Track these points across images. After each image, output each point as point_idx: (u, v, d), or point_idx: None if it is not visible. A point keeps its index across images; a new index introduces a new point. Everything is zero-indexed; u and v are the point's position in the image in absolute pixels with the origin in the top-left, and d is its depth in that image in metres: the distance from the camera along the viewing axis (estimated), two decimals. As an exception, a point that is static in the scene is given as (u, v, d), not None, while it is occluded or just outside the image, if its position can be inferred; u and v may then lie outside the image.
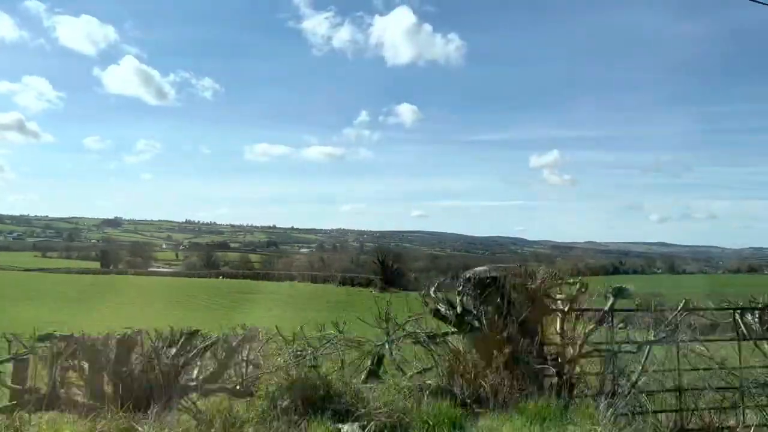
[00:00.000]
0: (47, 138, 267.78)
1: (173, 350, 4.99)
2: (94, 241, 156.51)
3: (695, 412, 5.36)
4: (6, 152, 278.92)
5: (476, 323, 5.40)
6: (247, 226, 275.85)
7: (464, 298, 5.59)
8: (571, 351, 5.45)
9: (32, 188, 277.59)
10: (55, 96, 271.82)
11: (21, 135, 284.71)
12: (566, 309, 5.51)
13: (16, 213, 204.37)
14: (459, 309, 5.49)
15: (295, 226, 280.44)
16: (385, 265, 78.54)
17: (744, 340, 5.70)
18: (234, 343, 5.48)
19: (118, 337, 5.00)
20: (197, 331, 5.22)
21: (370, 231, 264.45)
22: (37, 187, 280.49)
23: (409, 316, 5.96)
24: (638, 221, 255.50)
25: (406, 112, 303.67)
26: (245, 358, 5.46)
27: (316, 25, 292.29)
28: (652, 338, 5.61)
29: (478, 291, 5.50)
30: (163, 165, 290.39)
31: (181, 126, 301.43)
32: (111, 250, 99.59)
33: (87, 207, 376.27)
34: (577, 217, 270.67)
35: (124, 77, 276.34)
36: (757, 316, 5.78)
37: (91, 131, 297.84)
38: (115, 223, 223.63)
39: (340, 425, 4.25)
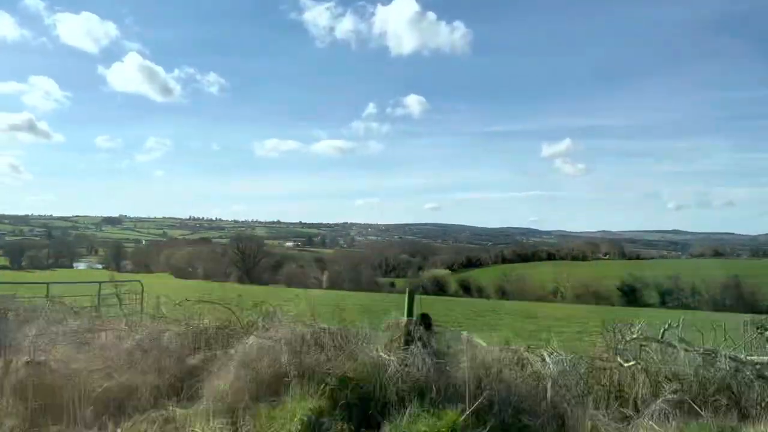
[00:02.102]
0: (58, 138, 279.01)
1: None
2: (70, 239, 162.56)
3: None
4: (20, 153, 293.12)
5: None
6: (252, 221, 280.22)
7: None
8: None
9: (46, 188, 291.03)
10: (62, 95, 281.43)
11: (32, 135, 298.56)
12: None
13: (29, 213, 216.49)
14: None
15: (303, 221, 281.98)
16: (246, 255, 74.95)
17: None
18: None
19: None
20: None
21: (376, 224, 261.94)
22: (51, 187, 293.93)
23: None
24: (655, 209, 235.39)
25: (413, 103, 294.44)
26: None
27: (318, 16, 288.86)
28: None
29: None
30: (173, 163, 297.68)
31: (189, 123, 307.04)
32: (23, 246, 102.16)
33: (100, 206, 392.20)
34: (591, 206, 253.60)
35: (129, 75, 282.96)
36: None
37: (101, 130, 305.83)
38: (115, 221, 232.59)
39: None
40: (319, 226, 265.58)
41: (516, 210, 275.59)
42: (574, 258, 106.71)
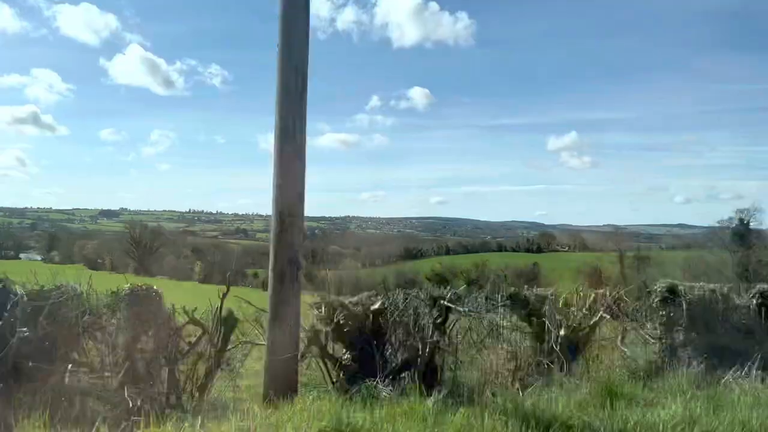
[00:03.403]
0: (63, 131, 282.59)
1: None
2: (53, 231, 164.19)
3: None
4: (26, 146, 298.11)
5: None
6: (252, 214, 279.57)
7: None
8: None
9: (52, 182, 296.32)
10: (65, 88, 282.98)
11: (37, 128, 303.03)
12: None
13: (28, 206, 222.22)
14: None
15: (306, 215, 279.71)
16: (140, 244, 70.95)
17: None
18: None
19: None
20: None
21: (377, 218, 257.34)
22: (57, 180, 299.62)
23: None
24: (662, 203, 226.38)
25: (417, 96, 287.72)
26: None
27: (319, 6, 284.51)
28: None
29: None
30: (178, 156, 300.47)
31: (193, 116, 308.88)
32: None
33: (104, 200, 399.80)
34: (598, 199, 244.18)
35: (131, 67, 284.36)
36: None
37: (106, 123, 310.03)
38: (112, 213, 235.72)
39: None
40: (320, 219, 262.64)
41: (523, 204, 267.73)
42: (528, 250, 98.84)
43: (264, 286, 52.44)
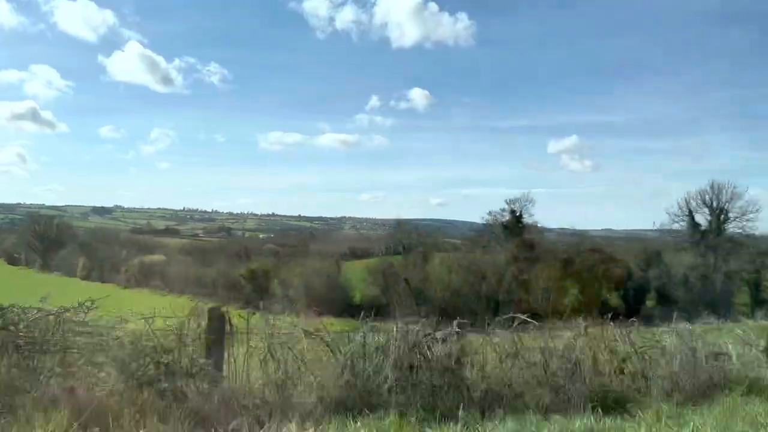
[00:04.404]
0: (62, 128, 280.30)
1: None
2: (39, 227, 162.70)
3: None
4: (25, 142, 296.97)
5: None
6: (247, 213, 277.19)
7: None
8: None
9: (52, 179, 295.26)
10: (64, 85, 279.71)
11: (36, 125, 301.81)
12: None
13: (20, 202, 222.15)
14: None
15: (302, 214, 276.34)
16: (43, 239, 66.23)
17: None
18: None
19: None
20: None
21: (372, 219, 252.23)
22: (57, 177, 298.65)
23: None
24: (663, 207, 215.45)
25: (417, 97, 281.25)
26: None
27: (318, 5, 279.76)
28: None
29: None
30: (178, 154, 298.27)
31: (193, 114, 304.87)
32: None
33: (102, 197, 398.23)
34: (598, 203, 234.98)
35: (129, 64, 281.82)
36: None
37: (105, 120, 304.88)
38: (105, 211, 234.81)
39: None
40: (315, 219, 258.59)
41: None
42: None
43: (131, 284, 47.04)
